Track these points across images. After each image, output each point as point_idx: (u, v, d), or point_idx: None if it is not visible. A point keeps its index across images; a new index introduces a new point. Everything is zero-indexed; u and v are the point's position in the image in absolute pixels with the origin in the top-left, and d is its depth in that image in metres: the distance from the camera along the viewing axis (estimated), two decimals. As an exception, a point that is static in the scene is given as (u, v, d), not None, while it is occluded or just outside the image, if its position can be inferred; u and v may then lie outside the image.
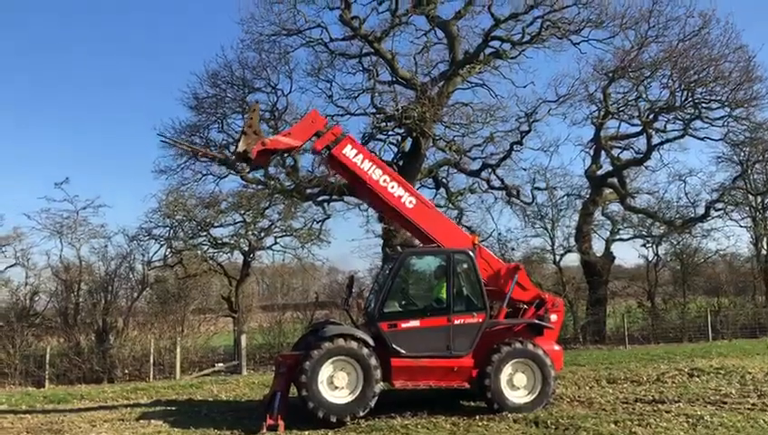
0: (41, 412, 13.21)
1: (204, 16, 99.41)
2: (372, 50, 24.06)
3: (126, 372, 20.72)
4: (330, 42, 23.77)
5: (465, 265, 11.49)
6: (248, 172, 12.54)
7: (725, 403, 10.81)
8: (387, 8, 24.08)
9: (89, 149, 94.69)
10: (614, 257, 26.42)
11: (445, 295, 11.26)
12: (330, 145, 11.82)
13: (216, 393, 14.83)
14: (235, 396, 14.50)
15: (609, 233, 26.85)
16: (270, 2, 23.53)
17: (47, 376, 19.78)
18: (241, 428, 10.37)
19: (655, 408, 10.62)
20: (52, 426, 11.49)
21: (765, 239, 27.24)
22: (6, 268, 25.61)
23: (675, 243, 26.77)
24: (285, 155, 22.04)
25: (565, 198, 27.15)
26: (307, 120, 12.39)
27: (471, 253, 11.49)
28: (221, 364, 21.91)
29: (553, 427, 9.64)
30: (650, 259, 27.07)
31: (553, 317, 11.77)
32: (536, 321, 11.52)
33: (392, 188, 11.82)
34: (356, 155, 11.78)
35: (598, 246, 26.95)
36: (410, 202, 11.86)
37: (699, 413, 9.92)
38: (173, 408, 12.96)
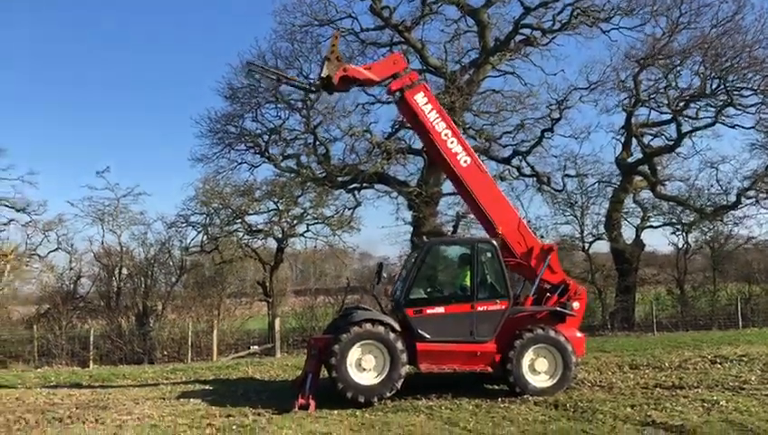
0: (87, 389, 14.05)
1: (239, 10, 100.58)
2: (402, 39, 24.41)
3: (165, 353, 21.61)
4: (360, 32, 24.23)
5: (488, 254, 11.82)
6: (331, 94, 13.32)
7: (743, 389, 10.98)
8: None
9: (129, 139, 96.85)
10: (644, 245, 26.43)
11: (469, 283, 11.63)
12: (404, 88, 12.27)
13: (251, 374, 15.48)
14: (269, 377, 15.10)
15: (639, 220, 26.82)
16: (302, -8, 24.05)
17: (91, 356, 20.75)
18: (274, 407, 10.87)
19: (673, 393, 10.88)
20: (99, 402, 12.19)
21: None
22: (49, 253, 26.88)
23: (705, 230, 26.58)
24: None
25: (596, 185, 27.13)
26: (389, 60, 12.93)
27: (495, 242, 11.85)
28: (256, 347, 22.65)
29: (572, 409, 10.01)
30: (680, 247, 26.98)
31: (576, 305, 12.02)
32: (558, 308, 11.84)
33: (451, 143, 12.22)
34: (426, 103, 12.24)
35: (628, 234, 26.99)
36: (465, 161, 12.22)
37: (716, 398, 10.17)
38: (210, 387, 13.64)
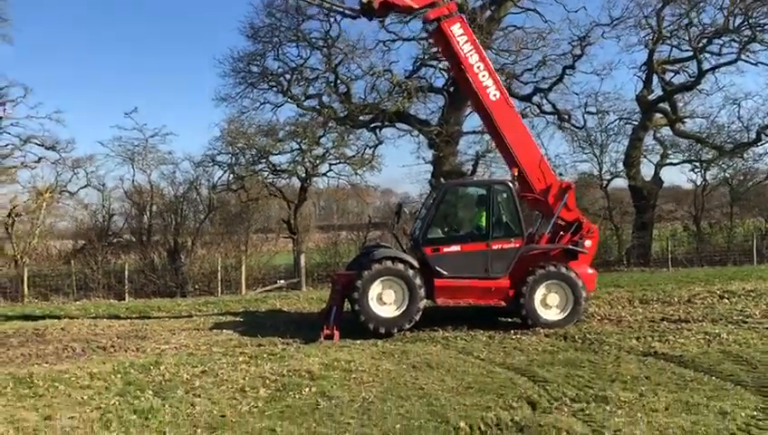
0: (126, 320, 15.01)
1: None
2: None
3: (196, 287, 22.65)
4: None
5: (504, 195, 12.28)
6: (371, 20, 13.66)
7: (746, 323, 11.51)
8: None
9: (155, 79, 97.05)
10: (662, 182, 26.61)
11: (484, 223, 12.17)
12: (441, 18, 12.57)
13: (279, 307, 16.32)
14: (296, 309, 15.91)
15: (659, 157, 26.92)
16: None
17: (126, 290, 21.84)
18: (301, 337, 11.67)
19: (678, 326, 11.43)
20: (138, 333, 13.08)
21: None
22: (79, 189, 27.86)
23: (725, 167, 26.64)
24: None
25: (616, 122, 27.19)
26: None
27: (510, 184, 12.32)
28: (282, 281, 23.54)
29: (580, 341, 10.65)
30: (699, 184, 27.12)
31: (588, 243, 12.52)
32: (570, 246, 12.36)
33: (483, 76, 12.55)
34: (461, 35, 12.54)
35: (647, 171, 27.15)
36: (494, 95, 12.57)
37: (717, 331, 10.72)
38: (241, 319, 14.46)
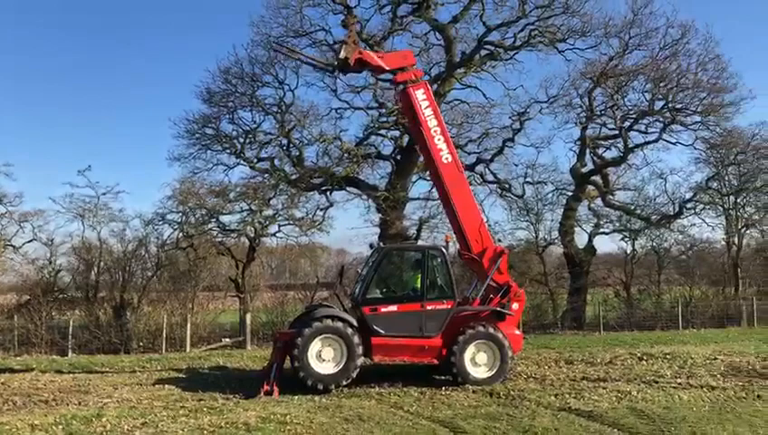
0: (68, 375, 15.17)
1: (216, 16, 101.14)
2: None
3: (141, 344, 22.63)
4: (334, 44, 25.36)
5: (438, 260, 13.27)
6: (346, 74, 15.01)
7: (657, 383, 12.47)
8: (389, 9, 25.72)
9: (109, 139, 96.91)
10: (595, 250, 28.14)
11: (419, 285, 13.06)
12: (408, 82, 13.76)
13: (223, 364, 16.67)
14: (239, 367, 16.29)
15: (593, 226, 28.49)
16: (278, 6, 25.33)
17: (70, 346, 21.73)
18: (242, 393, 12.16)
19: (596, 385, 12.32)
20: (80, 387, 13.36)
21: (736, 236, 28.87)
22: (24, 244, 27.63)
23: (652, 237, 28.35)
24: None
25: (553, 192, 28.81)
26: (400, 54, 14.84)
27: (444, 249, 13.28)
28: (227, 339, 23.76)
29: (504, 397, 11.43)
30: (628, 252, 28.75)
31: (515, 306, 13.54)
32: (498, 308, 13.27)
33: (438, 139, 13.70)
34: (424, 100, 13.76)
35: (582, 239, 28.69)
36: (446, 158, 13.69)
37: (629, 389, 11.65)
38: (184, 376, 14.83)
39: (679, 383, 12.33)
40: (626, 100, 26.38)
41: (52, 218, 27.32)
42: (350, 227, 33.00)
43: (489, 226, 28.33)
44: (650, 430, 8.95)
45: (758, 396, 11.06)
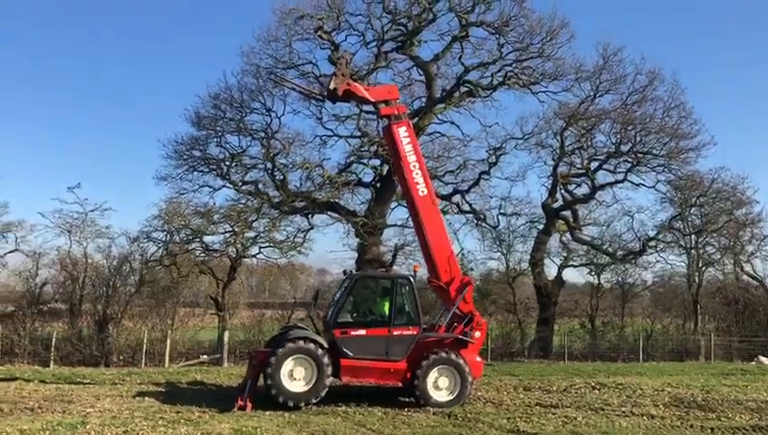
0: (52, 385, 15.91)
1: (209, 40, 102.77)
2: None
3: (121, 358, 23.35)
4: (320, 76, 26.51)
5: (406, 288, 14.19)
6: (334, 103, 16.33)
7: (603, 410, 13.39)
8: (374, 45, 26.98)
9: (98, 157, 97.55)
10: (564, 282, 29.33)
11: (387, 311, 14.01)
12: (392, 117, 14.78)
13: (200, 380, 17.48)
14: (216, 383, 17.07)
15: (562, 259, 29.70)
16: (268, 39, 26.55)
17: (52, 357, 22.37)
18: (217, 407, 12.94)
19: (547, 410, 13.27)
20: (64, 397, 14.11)
21: (697, 274, 30.23)
22: (6, 254, 28.17)
23: (618, 272, 29.62)
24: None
25: (526, 224, 30.06)
26: (386, 88, 15.89)
27: (412, 278, 14.28)
28: (205, 356, 24.48)
29: (460, 419, 12.35)
30: (594, 285, 29.94)
31: (477, 334, 14.45)
32: (461, 336, 14.23)
33: (416, 174, 14.64)
34: (405, 136, 14.71)
35: (551, 271, 29.86)
36: (422, 192, 14.64)
37: (575, 416, 12.62)
38: (162, 389, 15.58)
39: (623, 411, 13.24)
40: (595, 141, 27.98)
41: (41, 232, 27.99)
42: (329, 251, 33.96)
43: (463, 254, 29.65)
44: (585, 452, 9.93)
45: (690, 425, 12.04)
